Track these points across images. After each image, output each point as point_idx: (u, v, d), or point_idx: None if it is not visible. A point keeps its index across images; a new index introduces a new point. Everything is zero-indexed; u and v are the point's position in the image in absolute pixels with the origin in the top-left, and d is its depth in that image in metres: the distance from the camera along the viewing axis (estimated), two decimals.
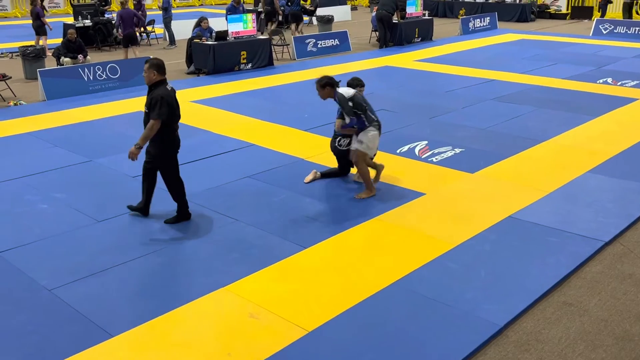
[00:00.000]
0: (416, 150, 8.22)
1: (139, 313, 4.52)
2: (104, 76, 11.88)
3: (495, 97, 11.30)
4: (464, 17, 21.67)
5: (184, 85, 12.23)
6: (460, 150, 8.21)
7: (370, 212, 6.27)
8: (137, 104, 10.38)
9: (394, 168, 7.56)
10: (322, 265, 5.27)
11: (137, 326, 4.36)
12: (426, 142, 8.56)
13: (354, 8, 28.19)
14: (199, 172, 7.44)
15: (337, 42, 17.01)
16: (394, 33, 17.67)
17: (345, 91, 6.65)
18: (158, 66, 5.67)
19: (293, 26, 19.17)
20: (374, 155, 7.00)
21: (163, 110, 5.54)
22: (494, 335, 4.30)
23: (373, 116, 6.80)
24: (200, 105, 10.72)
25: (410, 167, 7.65)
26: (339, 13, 23.75)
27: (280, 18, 20.16)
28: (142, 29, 17.92)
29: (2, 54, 15.47)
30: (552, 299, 4.79)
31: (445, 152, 8.15)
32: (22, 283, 4.93)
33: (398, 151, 8.19)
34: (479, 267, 5.20)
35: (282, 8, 20.03)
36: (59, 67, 12.53)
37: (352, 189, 6.95)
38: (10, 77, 11.68)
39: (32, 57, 12.95)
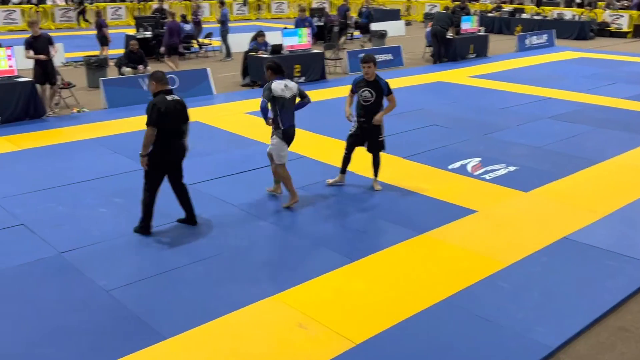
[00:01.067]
0: (468, 167, 8.14)
1: (190, 317, 4.63)
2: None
3: (551, 116, 11.08)
4: (521, 33, 21.35)
5: (239, 97, 12.46)
6: (515, 168, 8.09)
7: (420, 227, 6.25)
8: (193, 113, 10.64)
9: (445, 184, 7.51)
10: (371, 278, 5.27)
11: (189, 330, 4.46)
12: (479, 159, 8.47)
13: (408, 23, 28.16)
14: (251, 181, 7.57)
15: (391, 57, 17.03)
16: (448, 49, 17.57)
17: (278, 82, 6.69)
18: (156, 78, 5.93)
19: (366, 38, 19.75)
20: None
21: (152, 116, 5.72)
22: (546, 358, 4.22)
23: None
24: (254, 117, 10.90)
25: (462, 183, 7.57)
26: (393, 28, 23.75)
27: (352, 31, 20.75)
28: (197, 41, 18.42)
29: (67, 63, 16.13)
30: (608, 324, 4.66)
31: (498, 169, 8.04)
32: (81, 283, 5.13)
33: (450, 167, 8.13)
34: (532, 288, 5.10)
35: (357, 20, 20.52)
36: (120, 76, 12.99)
37: (402, 203, 6.93)
38: (75, 85, 12.19)
39: (95, 66, 13.48)
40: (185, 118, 6.07)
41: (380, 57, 16.78)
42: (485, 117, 11.01)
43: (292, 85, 6.86)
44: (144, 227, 6.04)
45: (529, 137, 9.64)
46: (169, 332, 4.44)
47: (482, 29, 19.44)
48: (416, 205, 6.89)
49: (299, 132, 10.01)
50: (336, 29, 20.16)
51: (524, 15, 25.80)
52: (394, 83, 14.13)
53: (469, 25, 18.34)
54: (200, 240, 5.96)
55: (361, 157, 8.60)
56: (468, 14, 19.97)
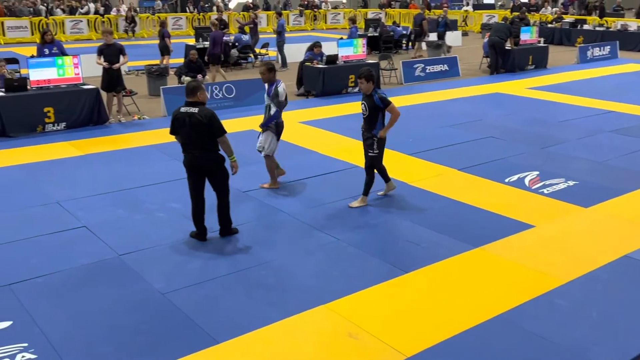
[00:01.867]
0: (526, 181, 7.97)
1: (243, 322, 4.70)
2: (220, 95, 12.52)
3: (613, 130, 10.73)
4: (582, 45, 20.78)
5: (293, 107, 12.58)
6: (574, 182, 7.87)
7: (475, 241, 6.15)
8: (249, 122, 10.82)
9: (502, 198, 7.38)
10: (423, 291, 5.23)
11: (241, 335, 4.53)
12: (537, 172, 8.28)
13: (464, 34, 27.86)
14: (303, 190, 7.64)
15: (447, 68, 16.87)
16: (506, 60, 17.28)
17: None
18: (185, 87, 6.12)
19: (445, 47, 20.13)
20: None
21: (170, 124, 6.02)
22: None
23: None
24: (307, 126, 11.00)
25: (519, 197, 7.42)
26: (450, 38, 23.50)
27: (426, 39, 20.98)
28: (253, 52, 18.75)
29: (129, 71, 16.70)
30: None
31: (557, 184, 7.84)
32: (139, 285, 5.28)
33: (507, 180, 7.98)
34: (590, 307, 4.95)
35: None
36: (179, 85, 13.35)
37: (457, 215, 6.84)
38: (136, 93, 12.60)
39: (156, 75, 13.90)
40: (204, 132, 5.85)
41: (436, 68, 16.66)
42: (543, 129, 10.76)
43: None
44: (198, 234, 6.18)
45: (590, 151, 9.36)
46: (222, 336, 4.51)
47: (542, 40, 19.03)
48: (471, 218, 6.79)
49: (352, 142, 10.07)
50: (412, 36, 20.94)
51: (585, 27, 25.10)
52: (449, 94, 14.12)
53: (528, 36, 17.99)
54: (253, 247, 6.04)
55: (412, 167, 8.56)
56: (527, 24, 19.61)
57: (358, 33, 17.71)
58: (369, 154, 7.10)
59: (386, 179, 7.38)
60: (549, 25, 25.74)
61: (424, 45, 22.11)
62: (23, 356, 4.25)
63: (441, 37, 20.43)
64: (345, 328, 4.64)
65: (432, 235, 6.32)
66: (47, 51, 11.71)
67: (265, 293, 5.19)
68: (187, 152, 6.03)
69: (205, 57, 15.41)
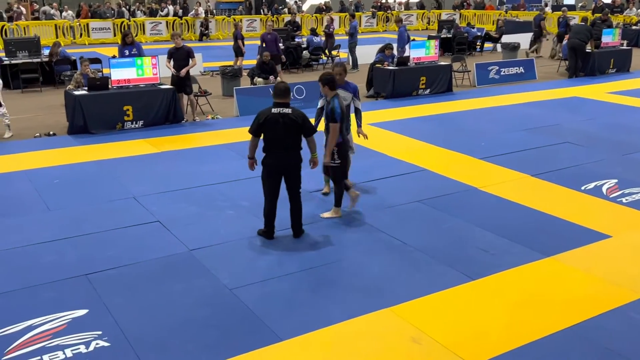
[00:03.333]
0: (604, 189, 7.64)
1: (306, 321, 4.74)
2: (291, 96, 12.67)
3: None
4: None
5: (363, 108, 12.47)
6: None
7: (547, 250, 5.95)
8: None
9: (577, 206, 7.11)
10: (490, 299, 5.10)
11: (304, 334, 4.57)
12: (616, 180, 7.92)
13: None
14: (370, 192, 7.61)
15: (522, 70, 16.41)
16: (586, 63, 16.61)
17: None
18: (274, 89, 6.21)
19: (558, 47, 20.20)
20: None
21: (252, 126, 6.03)
22: None
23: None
24: (376, 128, 10.96)
25: (596, 206, 7.12)
26: (526, 40, 22.88)
27: (545, 39, 21.23)
28: (325, 53, 18.86)
29: (204, 72, 17.18)
30: None
31: (637, 193, 7.47)
32: (207, 280, 5.43)
33: (583, 188, 7.68)
34: None
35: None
36: (252, 86, 13.62)
37: (529, 223, 6.64)
38: (211, 94, 12.95)
39: (230, 76, 14.24)
40: (296, 132, 6.03)
41: (512, 70, 16.24)
42: (624, 136, 10.27)
43: (346, 95, 7.18)
44: (266, 232, 6.28)
45: None
46: (286, 334, 4.57)
47: (625, 42, 18.17)
48: (544, 226, 6.57)
49: (421, 145, 9.96)
50: (532, 37, 21.19)
51: None
52: (525, 97, 13.73)
53: (610, 38, 17.24)
54: (319, 248, 6.09)
55: (483, 171, 8.37)
56: (610, 26, 18.81)
57: (407, 33, 17.36)
58: (331, 164, 6.61)
59: (337, 201, 6.80)
60: (633, 27, 24.53)
61: (498, 47, 21.62)
62: (97, 344, 4.46)
63: (561, 38, 19.92)
64: (408, 332, 4.60)
65: (503, 243, 6.16)
66: (127, 52, 12.22)
67: (329, 293, 5.22)
68: (272, 152, 6.05)
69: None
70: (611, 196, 7.41)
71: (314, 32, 19.85)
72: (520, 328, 4.66)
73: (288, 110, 6.01)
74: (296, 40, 19.56)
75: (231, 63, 16.48)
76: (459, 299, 5.11)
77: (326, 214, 6.86)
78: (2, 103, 10.35)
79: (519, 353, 4.35)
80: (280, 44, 16.30)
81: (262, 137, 6.07)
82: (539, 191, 7.64)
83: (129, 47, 12.32)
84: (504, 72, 16.10)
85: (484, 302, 5.06)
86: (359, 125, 7.26)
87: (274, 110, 6.00)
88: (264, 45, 15.25)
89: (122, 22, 25.32)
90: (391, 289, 5.25)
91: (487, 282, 5.37)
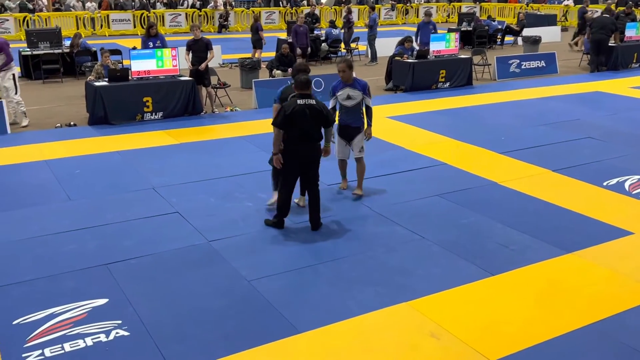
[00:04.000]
0: (626, 185, 7.53)
1: (325, 314, 4.73)
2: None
3: None
4: None
5: (381, 101, 12.53)
6: None
7: (568, 246, 5.88)
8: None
9: (599, 202, 7.02)
10: (511, 295, 5.06)
11: (322, 326, 4.57)
12: (639, 176, 7.79)
13: (564, 29, 26.64)
14: (389, 186, 7.57)
15: (543, 64, 16.20)
16: (609, 57, 16.35)
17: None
18: (296, 81, 6.16)
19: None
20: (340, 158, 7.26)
21: (277, 118, 5.98)
22: None
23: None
24: (395, 122, 10.91)
25: (618, 202, 7.02)
26: (548, 34, 22.60)
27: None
28: (345, 46, 18.78)
29: (223, 64, 17.20)
30: None
31: None
32: (226, 272, 5.44)
33: (605, 184, 7.57)
34: None
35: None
36: (271, 78, 13.61)
37: (550, 219, 6.57)
38: (229, 86, 12.96)
39: (248, 68, 14.24)
40: (320, 122, 6.09)
41: (532, 64, 16.05)
42: None
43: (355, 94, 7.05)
44: (277, 222, 6.28)
45: None
46: (303, 326, 4.57)
47: None
48: (565, 222, 6.50)
49: (439, 138, 9.88)
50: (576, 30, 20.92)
51: None
52: (546, 91, 13.57)
53: (634, 32, 16.95)
54: (337, 240, 6.07)
55: (503, 166, 8.29)
56: (634, 20, 18.49)
57: (433, 28, 16.17)
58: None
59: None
60: None
61: (519, 41, 21.38)
62: (117, 333, 4.49)
63: (581, 29, 19.70)
64: (427, 327, 4.57)
65: (523, 238, 6.09)
66: (150, 44, 12.26)
67: (347, 286, 5.20)
68: (299, 144, 6.02)
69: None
70: (634, 192, 7.29)
71: (332, 24, 19.77)
72: (540, 325, 4.61)
73: (312, 101, 6.03)
74: (315, 32, 19.49)
75: (250, 55, 16.48)
76: (478, 294, 5.08)
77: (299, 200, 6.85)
78: (18, 90, 10.46)
79: (539, 350, 4.30)
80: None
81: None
82: (560, 186, 7.55)
83: (153, 39, 12.35)
84: (525, 65, 15.92)
85: (504, 297, 5.02)
86: (369, 125, 7.15)
87: (299, 101, 5.98)
88: (295, 36, 15.25)
89: (142, 14, 25.43)
90: (410, 283, 5.22)
91: (507, 277, 5.32)
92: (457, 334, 4.48)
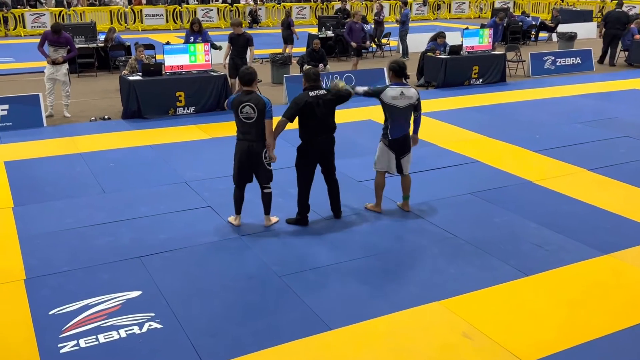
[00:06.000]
0: None
1: (356, 311, 4.72)
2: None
3: None
4: None
5: None
6: None
7: (605, 247, 5.75)
8: (367, 112, 10.82)
9: (637, 202, 6.85)
10: (546, 296, 4.97)
11: (353, 324, 4.55)
12: None
13: (600, 25, 26.03)
14: (420, 183, 7.49)
15: (579, 61, 15.88)
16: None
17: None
18: (305, 75, 6.24)
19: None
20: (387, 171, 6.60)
21: (289, 110, 6.08)
22: None
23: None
24: (426, 118, 10.77)
25: None
26: (584, 30, 22.11)
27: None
28: (375, 41, 18.66)
29: (255, 59, 17.24)
30: None
31: None
32: (257, 266, 5.46)
33: None
34: None
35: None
36: (302, 74, 13.60)
37: (587, 219, 6.44)
38: (260, 81, 13.00)
39: (279, 63, 14.25)
40: (333, 109, 6.21)
41: (568, 61, 15.74)
42: None
43: (411, 93, 6.43)
44: (300, 219, 6.32)
45: None
46: (335, 323, 4.56)
47: None
48: (602, 222, 6.36)
49: (471, 135, 9.75)
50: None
51: None
52: (581, 89, 13.29)
53: None
54: (368, 238, 6.05)
55: (538, 165, 8.14)
56: None
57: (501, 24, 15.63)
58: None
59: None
60: None
61: (554, 37, 21.00)
62: (150, 325, 4.54)
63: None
64: (459, 327, 4.52)
65: (559, 239, 5.98)
66: (192, 39, 12.32)
67: (379, 284, 5.18)
68: (317, 137, 6.17)
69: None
70: None
71: (363, 19, 19.65)
72: (575, 327, 4.53)
73: (323, 91, 6.13)
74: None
75: (281, 50, 16.49)
76: (512, 294, 5.00)
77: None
78: (69, 82, 10.88)
79: (573, 353, 4.22)
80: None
81: (299, 126, 6.16)
82: (596, 186, 7.39)
83: (196, 35, 12.43)
84: (560, 62, 15.62)
85: (539, 298, 4.93)
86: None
87: (310, 93, 6.09)
88: (350, 33, 15.19)
89: (175, 9, 25.65)
90: (442, 282, 5.17)
91: (542, 278, 5.23)
92: (490, 334, 4.42)
